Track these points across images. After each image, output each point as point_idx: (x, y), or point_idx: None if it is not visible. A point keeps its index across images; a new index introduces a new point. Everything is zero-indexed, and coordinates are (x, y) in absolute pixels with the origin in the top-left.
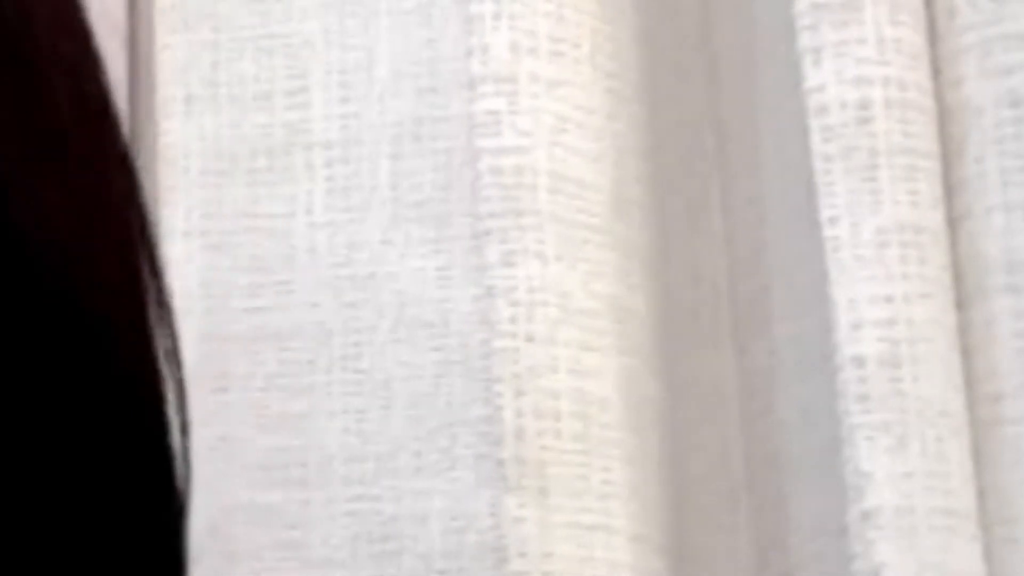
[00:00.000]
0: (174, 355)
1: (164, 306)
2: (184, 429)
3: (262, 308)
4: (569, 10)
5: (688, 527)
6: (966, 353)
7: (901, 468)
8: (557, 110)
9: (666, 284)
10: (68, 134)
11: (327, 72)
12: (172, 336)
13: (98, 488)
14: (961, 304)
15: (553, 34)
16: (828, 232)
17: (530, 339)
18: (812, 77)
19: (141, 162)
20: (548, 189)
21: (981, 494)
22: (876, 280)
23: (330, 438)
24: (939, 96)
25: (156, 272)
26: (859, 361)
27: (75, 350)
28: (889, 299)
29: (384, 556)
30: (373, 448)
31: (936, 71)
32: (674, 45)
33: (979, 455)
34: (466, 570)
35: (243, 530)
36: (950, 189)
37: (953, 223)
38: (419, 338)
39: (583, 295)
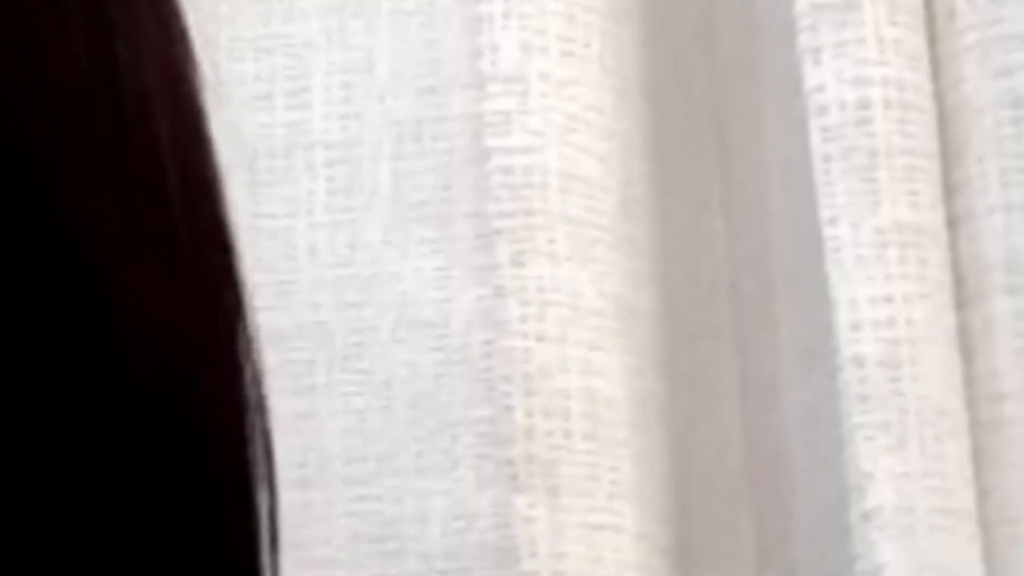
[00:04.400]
0: (268, 458)
1: (262, 406)
2: (274, 543)
3: (262, 308)
4: (578, 9)
5: (690, 527)
6: (966, 353)
7: (901, 468)
8: (567, 109)
9: (669, 284)
10: (175, 222)
11: (328, 72)
12: (267, 436)
13: None
14: (961, 304)
15: (563, 33)
16: (828, 232)
17: (540, 339)
18: (812, 77)
19: None
20: (558, 189)
21: (981, 494)
22: (876, 280)
23: (331, 438)
24: (939, 96)
25: (255, 371)
26: (859, 361)
27: (169, 453)
28: (889, 299)
29: (385, 556)
30: (374, 448)
31: (936, 71)
32: (677, 45)
33: (979, 455)
34: (467, 570)
35: None
36: (950, 189)
37: (953, 223)
38: (420, 338)
39: (593, 295)
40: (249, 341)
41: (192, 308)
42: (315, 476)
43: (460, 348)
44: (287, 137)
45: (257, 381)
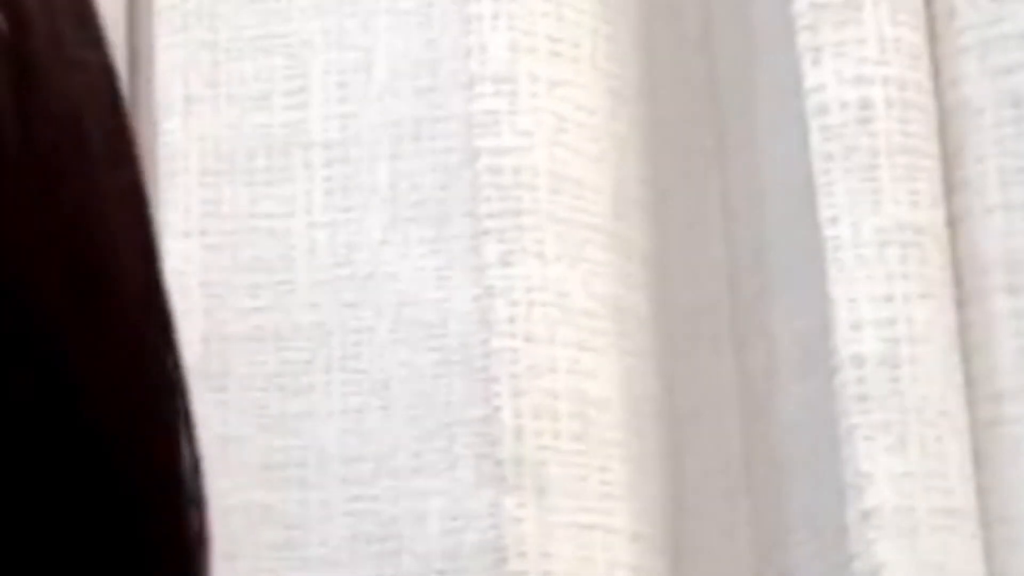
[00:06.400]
0: (203, 528)
1: (197, 469)
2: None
3: (262, 308)
4: (568, 9)
5: (687, 527)
6: (966, 353)
7: (900, 468)
8: (557, 110)
9: (666, 284)
10: (116, 288)
11: (326, 72)
12: (200, 500)
13: None
14: (961, 304)
15: (552, 34)
16: (828, 232)
17: (529, 339)
18: (812, 77)
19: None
20: (547, 189)
21: (981, 494)
22: (876, 280)
23: (329, 438)
24: (939, 96)
25: (189, 422)
26: (858, 361)
27: (108, 520)
28: (889, 299)
29: (383, 556)
30: (372, 448)
31: (936, 71)
32: (674, 45)
33: (979, 455)
34: (465, 570)
35: (243, 530)
36: (950, 189)
37: (953, 223)
38: (418, 338)
39: (582, 295)
40: (186, 402)
41: (131, 373)
42: (313, 476)
43: (458, 348)
44: (285, 137)
45: (190, 424)
